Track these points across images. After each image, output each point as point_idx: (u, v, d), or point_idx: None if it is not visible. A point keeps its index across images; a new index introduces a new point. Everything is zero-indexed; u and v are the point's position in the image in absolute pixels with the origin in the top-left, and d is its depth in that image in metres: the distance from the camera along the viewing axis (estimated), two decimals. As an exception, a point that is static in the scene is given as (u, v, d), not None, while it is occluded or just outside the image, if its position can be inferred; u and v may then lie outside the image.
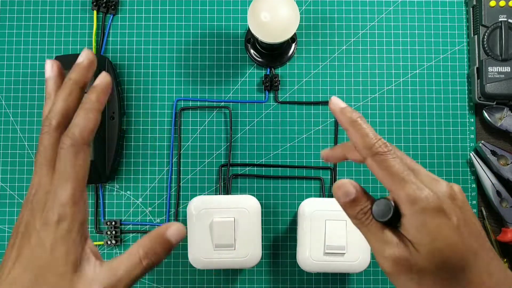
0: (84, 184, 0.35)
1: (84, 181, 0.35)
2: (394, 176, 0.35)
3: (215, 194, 0.64)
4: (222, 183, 0.64)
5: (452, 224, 0.34)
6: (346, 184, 0.37)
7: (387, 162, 0.35)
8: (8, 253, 0.34)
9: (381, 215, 0.35)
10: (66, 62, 0.61)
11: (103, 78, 0.37)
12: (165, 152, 0.64)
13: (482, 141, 0.62)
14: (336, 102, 0.38)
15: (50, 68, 0.39)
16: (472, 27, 0.64)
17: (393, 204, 0.35)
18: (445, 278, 0.34)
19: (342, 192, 0.36)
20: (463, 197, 0.36)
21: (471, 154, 0.63)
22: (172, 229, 0.36)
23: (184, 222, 0.60)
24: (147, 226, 0.63)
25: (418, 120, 0.64)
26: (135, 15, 0.66)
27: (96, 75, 0.60)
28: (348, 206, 0.37)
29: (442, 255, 0.34)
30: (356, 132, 0.37)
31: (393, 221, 0.35)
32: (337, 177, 0.64)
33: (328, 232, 0.56)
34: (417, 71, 0.65)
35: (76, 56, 0.63)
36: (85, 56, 0.38)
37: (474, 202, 0.63)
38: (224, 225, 0.56)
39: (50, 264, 0.33)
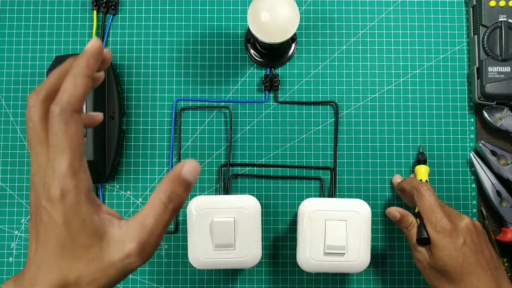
0: (81, 153, 0.33)
1: (80, 150, 0.33)
2: (428, 208, 0.54)
3: (215, 194, 0.64)
4: (222, 183, 0.64)
5: (458, 243, 0.51)
6: (392, 211, 0.58)
7: (425, 197, 0.55)
8: (29, 236, 0.34)
9: (419, 234, 0.56)
10: (66, 62, 0.61)
11: (94, 42, 0.35)
12: (165, 152, 0.64)
13: (482, 141, 0.62)
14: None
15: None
16: (472, 27, 0.64)
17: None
18: (444, 279, 0.53)
19: (391, 216, 0.59)
20: (480, 229, 0.54)
21: (471, 154, 0.63)
22: (186, 167, 0.35)
23: (184, 222, 0.60)
24: (147, 226, 0.63)
25: (418, 120, 0.64)
26: (135, 15, 0.66)
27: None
28: (396, 223, 0.59)
29: (444, 262, 0.52)
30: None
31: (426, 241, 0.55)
32: (337, 177, 0.64)
33: (328, 232, 0.56)
34: (417, 71, 0.65)
35: (76, 56, 0.63)
36: (91, 44, 0.35)
37: (474, 202, 0.63)
38: (224, 225, 0.56)
39: (70, 239, 0.33)
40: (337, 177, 0.64)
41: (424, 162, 0.62)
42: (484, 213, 0.63)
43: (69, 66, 0.35)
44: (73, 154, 0.33)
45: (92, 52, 0.35)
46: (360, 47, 0.65)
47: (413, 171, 0.63)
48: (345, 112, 0.65)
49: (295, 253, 0.58)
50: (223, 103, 0.65)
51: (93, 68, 0.35)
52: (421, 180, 0.60)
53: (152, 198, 0.35)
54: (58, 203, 0.32)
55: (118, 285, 0.63)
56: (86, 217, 0.33)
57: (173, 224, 0.63)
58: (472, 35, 0.64)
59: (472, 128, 0.64)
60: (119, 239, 0.33)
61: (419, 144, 0.64)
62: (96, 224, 0.33)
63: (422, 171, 0.61)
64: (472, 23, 0.64)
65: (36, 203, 0.34)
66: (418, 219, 0.57)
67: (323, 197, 0.63)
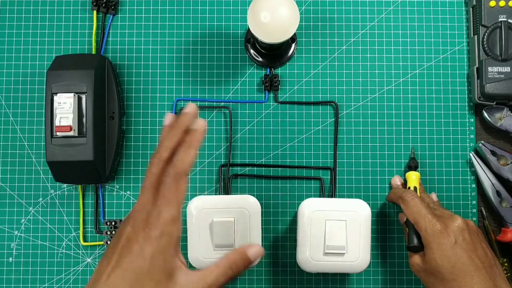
0: (181, 206, 0.42)
1: (182, 205, 0.42)
2: (416, 214, 0.54)
3: (215, 194, 0.64)
4: (222, 183, 0.64)
5: (450, 243, 0.51)
6: (400, 215, 0.60)
7: (410, 204, 0.55)
8: (106, 261, 0.40)
9: (410, 243, 0.56)
10: (66, 62, 0.61)
11: (202, 123, 0.44)
12: (165, 152, 0.64)
13: (482, 141, 0.62)
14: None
15: (168, 119, 0.46)
16: (472, 27, 0.64)
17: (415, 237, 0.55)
18: (438, 281, 0.52)
19: (400, 220, 0.60)
20: (473, 228, 0.53)
21: (471, 154, 0.63)
22: (253, 250, 0.46)
23: (184, 222, 0.60)
24: (147, 226, 0.63)
25: (418, 120, 0.64)
26: (135, 15, 0.66)
27: (98, 77, 0.60)
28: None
29: (436, 263, 0.51)
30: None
31: (418, 248, 0.55)
32: (337, 177, 0.64)
33: (328, 232, 0.56)
34: (417, 71, 0.65)
35: (76, 56, 0.63)
36: (191, 109, 0.45)
37: (474, 202, 0.63)
38: (224, 225, 0.56)
39: (148, 272, 0.39)
40: (337, 177, 0.64)
41: (415, 168, 0.62)
42: (484, 213, 0.63)
43: (180, 132, 0.43)
44: (177, 207, 0.42)
45: (201, 131, 0.44)
46: (360, 47, 0.65)
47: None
48: (345, 112, 0.65)
49: (295, 253, 0.58)
50: (223, 103, 0.65)
51: (200, 142, 0.44)
52: (409, 187, 0.60)
53: (219, 261, 0.44)
54: (154, 241, 0.40)
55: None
56: (168, 258, 0.41)
57: (173, 224, 0.63)
58: (472, 35, 0.64)
59: (472, 128, 0.64)
60: (184, 284, 0.41)
61: (411, 147, 0.64)
62: (172, 266, 0.41)
63: (413, 178, 0.61)
64: (472, 23, 0.64)
65: (130, 236, 0.40)
66: (407, 228, 0.56)
67: (323, 197, 0.63)
